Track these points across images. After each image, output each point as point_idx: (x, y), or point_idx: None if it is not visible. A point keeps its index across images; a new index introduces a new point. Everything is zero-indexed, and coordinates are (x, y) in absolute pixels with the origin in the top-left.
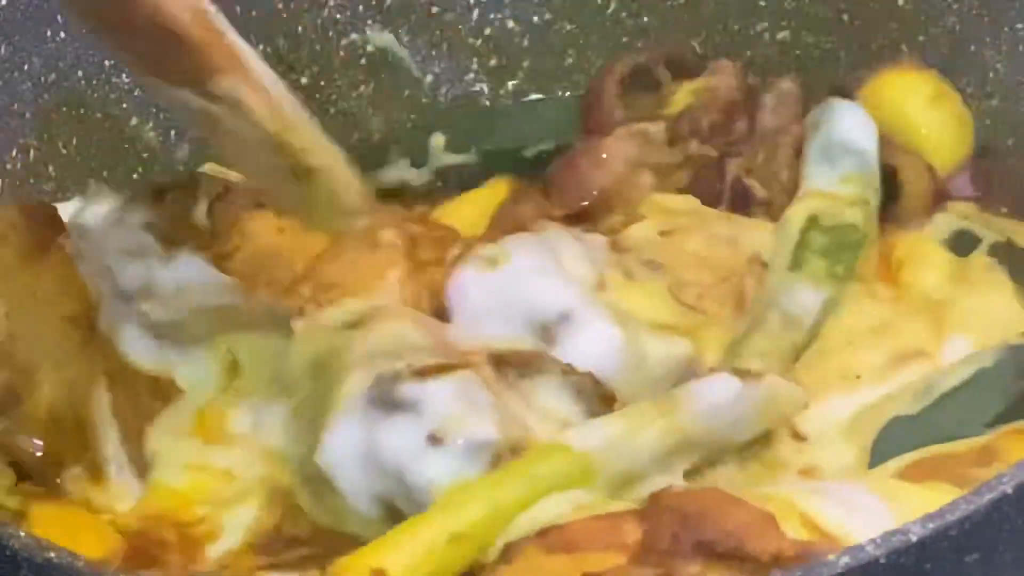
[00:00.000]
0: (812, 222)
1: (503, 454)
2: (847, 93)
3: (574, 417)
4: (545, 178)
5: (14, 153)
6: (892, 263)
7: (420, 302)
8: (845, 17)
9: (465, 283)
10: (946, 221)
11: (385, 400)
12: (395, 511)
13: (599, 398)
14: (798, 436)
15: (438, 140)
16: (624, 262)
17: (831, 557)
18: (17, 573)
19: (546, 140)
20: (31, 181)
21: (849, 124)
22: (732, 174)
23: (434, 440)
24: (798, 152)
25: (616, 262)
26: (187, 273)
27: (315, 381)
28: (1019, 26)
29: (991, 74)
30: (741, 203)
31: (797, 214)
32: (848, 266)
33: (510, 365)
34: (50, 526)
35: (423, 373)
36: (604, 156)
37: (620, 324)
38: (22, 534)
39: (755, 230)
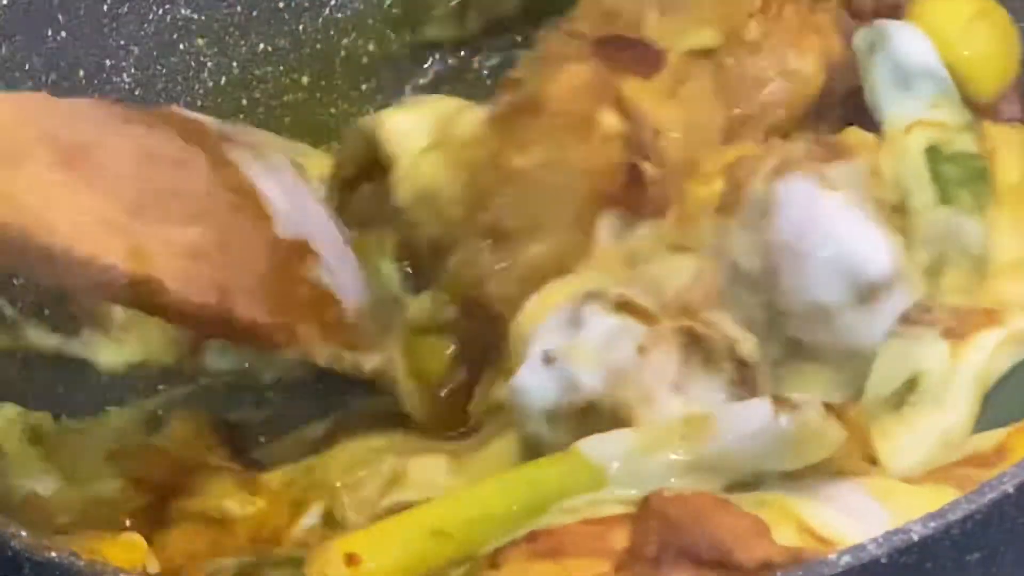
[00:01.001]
0: (933, 153)
1: (603, 408)
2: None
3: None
4: None
5: None
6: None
7: None
8: None
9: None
10: (1012, 137)
11: (576, 311)
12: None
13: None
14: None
15: None
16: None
17: (832, 556)
18: (19, 573)
19: None
20: None
21: (913, 46)
22: None
23: (546, 358)
24: None
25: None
26: None
27: None
28: (1019, 25)
29: None
30: None
31: (912, 145)
32: (986, 198)
33: (698, 347)
34: None
35: (620, 306)
36: None
37: None
38: (23, 534)
39: None
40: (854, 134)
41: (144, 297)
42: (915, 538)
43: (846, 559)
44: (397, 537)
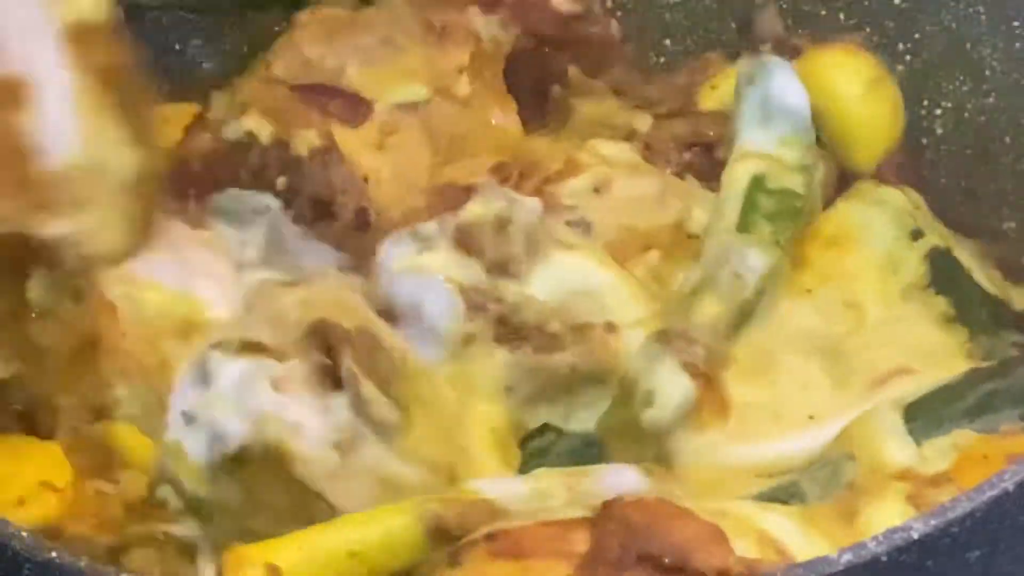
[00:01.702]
0: (757, 183)
1: (256, 451)
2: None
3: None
4: None
5: None
6: (824, 236)
7: None
8: (841, 16)
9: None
10: (895, 199)
11: (202, 367)
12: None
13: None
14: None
15: None
16: (555, 229)
17: (832, 555)
18: (19, 573)
19: None
20: None
21: (785, 85)
22: None
23: (187, 417)
24: None
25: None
26: None
27: None
28: (1016, 24)
29: (987, 72)
30: None
31: (741, 173)
32: (788, 237)
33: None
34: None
35: (243, 348)
36: None
37: None
38: (24, 534)
39: (684, 193)
40: (589, 148)
41: None
42: (915, 536)
43: (847, 557)
44: (321, 554)
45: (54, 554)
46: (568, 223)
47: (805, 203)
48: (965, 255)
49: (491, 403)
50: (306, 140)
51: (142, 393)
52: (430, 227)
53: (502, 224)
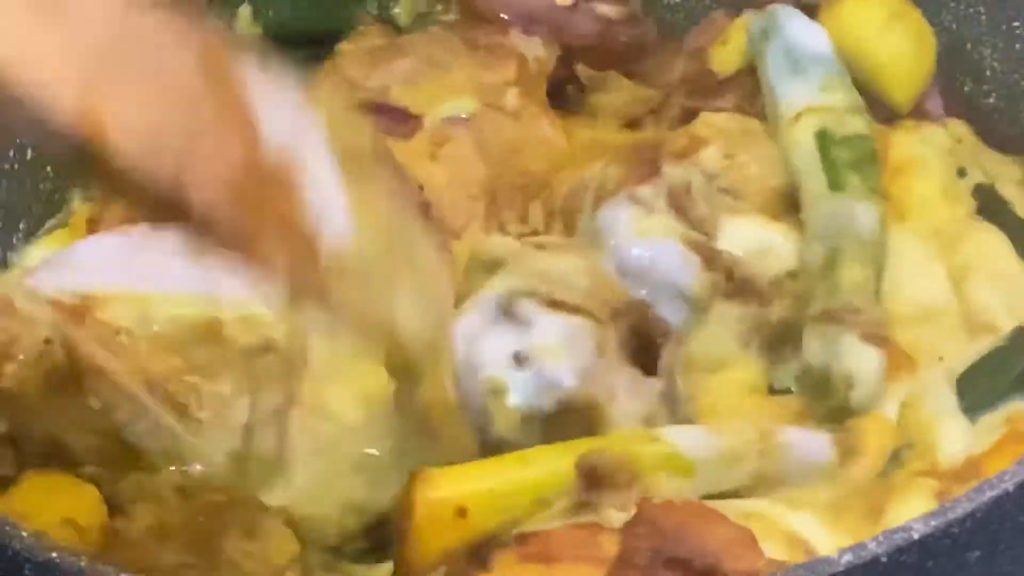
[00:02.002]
0: (824, 137)
1: (575, 406)
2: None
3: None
4: None
5: (12, 153)
6: (890, 165)
7: None
8: None
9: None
10: (938, 138)
11: (507, 309)
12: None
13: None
14: None
15: None
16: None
17: (832, 555)
18: (19, 573)
19: None
20: (30, 181)
21: (802, 29)
22: None
23: (518, 359)
24: None
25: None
26: None
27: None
28: (1016, 24)
29: (988, 72)
30: None
31: (803, 131)
32: (877, 180)
33: (638, 341)
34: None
35: (553, 304)
36: None
37: None
38: (24, 534)
39: None
40: (704, 121)
41: (88, 144)
42: (916, 536)
43: (847, 558)
44: (506, 500)
45: (54, 554)
46: (720, 190)
47: (874, 141)
48: (1009, 188)
49: (741, 365)
50: None
51: (151, 409)
52: (645, 191)
53: (687, 187)
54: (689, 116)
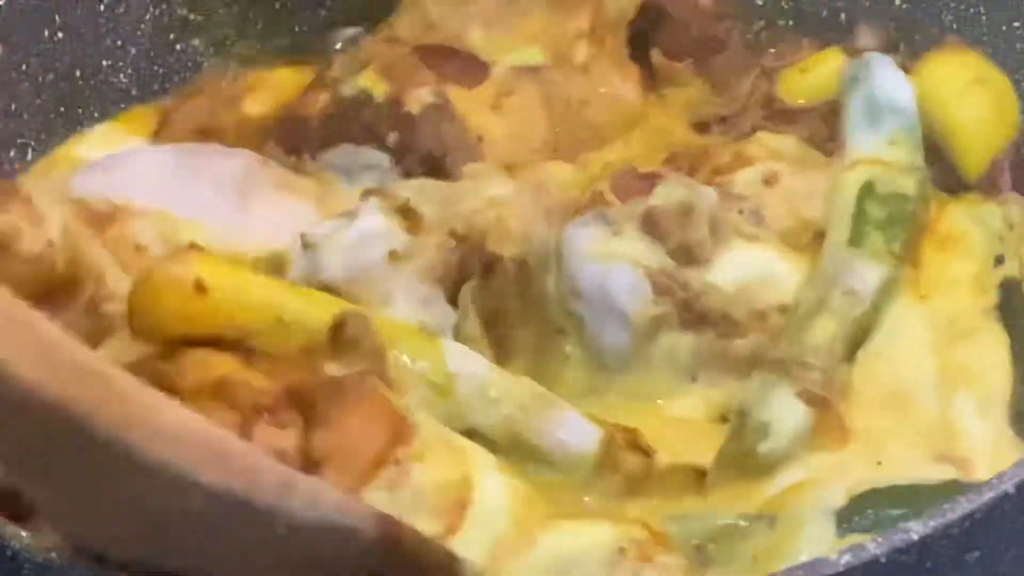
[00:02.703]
0: (867, 190)
1: (343, 296)
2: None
3: None
4: None
5: (12, 153)
6: (937, 235)
7: None
8: (842, 16)
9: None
10: (992, 219)
11: (364, 201)
12: None
13: None
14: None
15: None
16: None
17: (832, 556)
18: (19, 573)
19: None
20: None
21: (890, 81)
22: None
23: (304, 241)
24: None
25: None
26: None
27: None
28: (1016, 24)
29: None
30: None
31: (851, 181)
32: (903, 243)
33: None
34: None
35: (399, 210)
36: None
37: None
38: (23, 533)
39: None
40: (758, 141)
41: None
42: (915, 537)
43: (846, 558)
44: (252, 302)
45: (54, 554)
46: (741, 212)
47: (917, 205)
48: None
49: (679, 395)
50: (419, 98)
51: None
52: (617, 211)
53: (686, 210)
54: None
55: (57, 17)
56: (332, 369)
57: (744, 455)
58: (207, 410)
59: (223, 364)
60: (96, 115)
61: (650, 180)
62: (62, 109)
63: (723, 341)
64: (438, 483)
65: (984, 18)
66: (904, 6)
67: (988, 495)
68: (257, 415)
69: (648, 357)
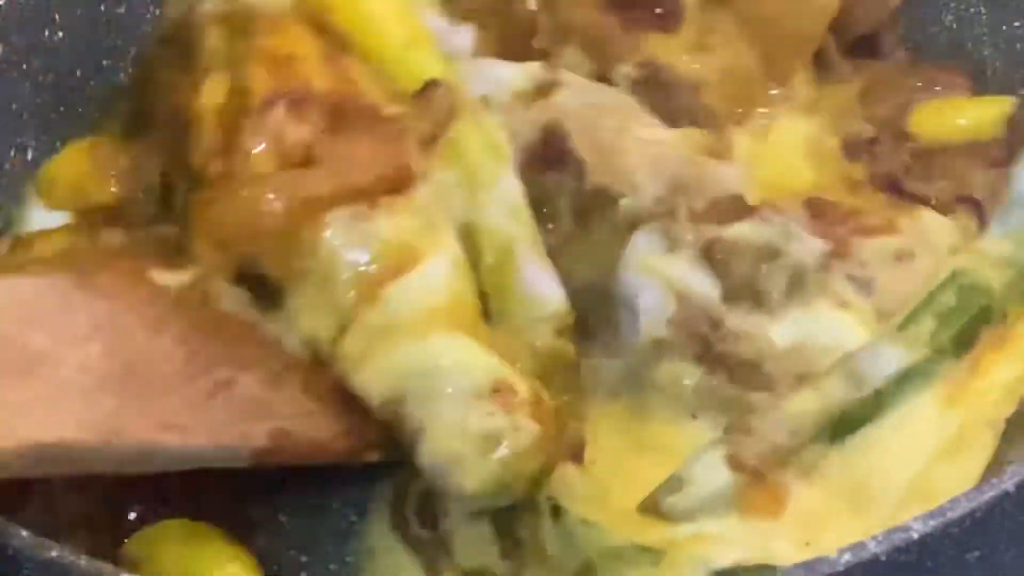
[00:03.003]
0: (951, 277)
1: None
2: None
3: None
4: None
5: (12, 153)
6: (1006, 345)
7: None
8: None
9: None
10: None
11: None
12: None
13: None
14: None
15: None
16: (832, 279)
17: (832, 555)
18: (19, 573)
19: None
20: (29, 181)
21: None
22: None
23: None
24: None
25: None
26: None
27: None
28: (1016, 24)
29: (989, 72)
30: None
31: (952, 263)
32: (955, 336)
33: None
34: None
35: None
36: None
37: None
38: (23, 533)
39: None
40: (917, 218)
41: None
42: (915, 536)
43: (847, 557)
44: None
45: (54, 554)
46: (849, 277)
47: (994, 302)
48: None
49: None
50: (626, 75)
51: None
52: (685, 230)
53: (770, 254)
54: (894, 185)
55: (57, 17)
56: (393, 109)
57: (653, 502)
58: (254, 69)
59: (304, 43)
60: (96, 115)
61: (747, 212)
62: (62, 109)
63: (734, 387)
64: (389, 240)
65: (984, 18)
66: (904, 5)
67: (988, 494)
68: (279, 98)
69: (650, 379)
